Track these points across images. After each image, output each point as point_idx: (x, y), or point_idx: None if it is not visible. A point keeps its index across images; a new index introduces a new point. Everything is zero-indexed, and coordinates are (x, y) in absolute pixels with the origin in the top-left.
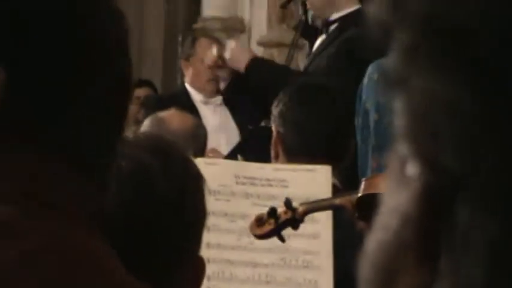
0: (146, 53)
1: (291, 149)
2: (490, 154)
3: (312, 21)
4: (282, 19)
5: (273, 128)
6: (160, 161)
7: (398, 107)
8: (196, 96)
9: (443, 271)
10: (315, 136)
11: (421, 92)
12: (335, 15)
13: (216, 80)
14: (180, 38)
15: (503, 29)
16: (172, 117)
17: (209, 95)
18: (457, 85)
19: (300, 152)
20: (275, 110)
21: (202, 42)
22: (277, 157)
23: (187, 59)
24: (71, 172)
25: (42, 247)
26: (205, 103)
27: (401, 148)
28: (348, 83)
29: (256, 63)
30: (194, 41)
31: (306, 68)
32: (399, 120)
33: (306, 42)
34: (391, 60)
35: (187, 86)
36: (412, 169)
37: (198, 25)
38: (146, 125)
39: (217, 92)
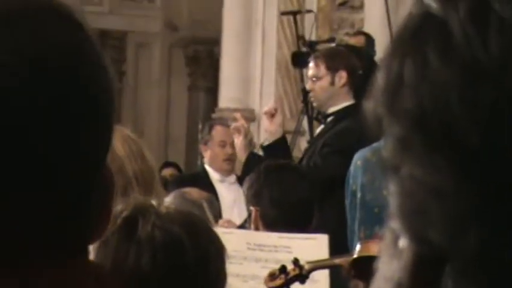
0: (172, 138)
1: (270, 222)
2: (471, 233)
3: (313, 111)
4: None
5: (251, 208)
6: (189, 232)
7: (392, 189)
8: (214, 175)
9: None
10: (290, 208)
11: (411, 178)
12: (332, 109)
13: (230, 159)
14: (200, 126)
15: (484, 129)
16: (192, 191)
17: (225, 174)
18: (442, 173)
19: (278, 223)
20: (249, 191)
21: (218, 128)
22: (257, 230)
23: (205, 143)
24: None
25: None
26: (221, 181)
27: (394, 224)
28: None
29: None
30: (211, 128)
31: (305, 151)
32: (392, 200)
33: (307, 130)
34: (385, 150)
35: (206, 166)
36: (403, 243)
37: (215, 115)
38: (171, 197)
39: (232, 170)
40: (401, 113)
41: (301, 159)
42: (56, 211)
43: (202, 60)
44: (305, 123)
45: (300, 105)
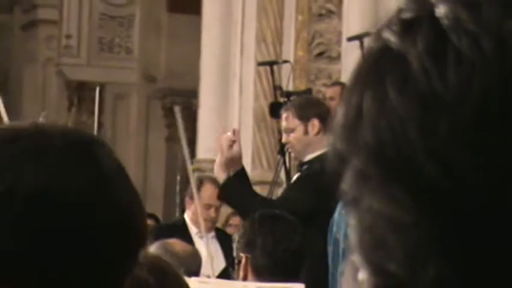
0: (150, 190)
1: (260, 270)
2: (431, 264)
3: (290, 162)
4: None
5: (241, 255)
6: (156, 277)
7: (352, 222)
8: (193, 230)
9: None
10: (281, 258)
11: (370, 211)
12: (308, 157)
13: (212, 221)
14: (178, 177)
15: (442, 160)
16: (176, 243)
17: (204, 231)
18: (401, 205)
19: (268, 272)
20: (242, 239)
21: (208, 188)
22: (245, 278)
23: (191, 197)
24: None
25: None
26: (200, 237)
27: (354, 257)
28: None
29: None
30: (201, 183)
31: None
32: (352, 233)
33: (284, 181)
34: (345, 183)
35: (186, 219)
36: (363, 275)
37: (193, 166)
38: (154, 247)
39: (211, 229)
40: (360, 145)
41: None
42: None
43: None
44: (282, 174)
45: (278, 156)
